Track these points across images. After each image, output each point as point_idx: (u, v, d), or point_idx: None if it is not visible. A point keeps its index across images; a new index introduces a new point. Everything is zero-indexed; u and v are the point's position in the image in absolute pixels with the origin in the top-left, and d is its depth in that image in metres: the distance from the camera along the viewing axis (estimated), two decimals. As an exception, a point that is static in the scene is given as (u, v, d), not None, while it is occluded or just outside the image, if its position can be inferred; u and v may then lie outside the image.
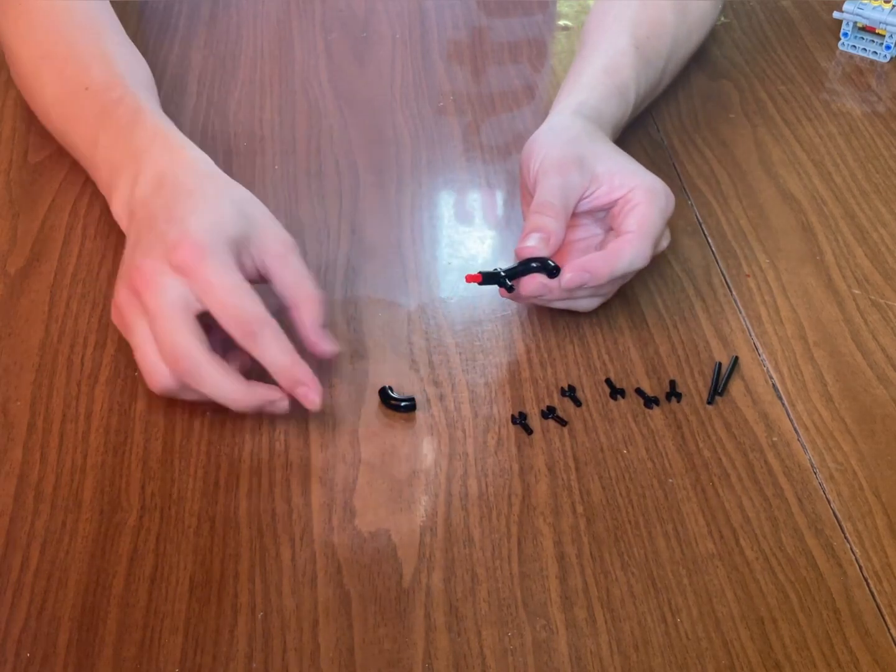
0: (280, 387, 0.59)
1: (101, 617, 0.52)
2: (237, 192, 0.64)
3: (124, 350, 0.65)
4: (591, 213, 0.68)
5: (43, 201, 0.76)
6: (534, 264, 0.63)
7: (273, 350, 0.58)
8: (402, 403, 0.63)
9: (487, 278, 0.63)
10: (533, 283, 0.63)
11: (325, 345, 0.61)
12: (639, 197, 0.65)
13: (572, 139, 0.68)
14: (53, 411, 0.62)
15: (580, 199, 0.66)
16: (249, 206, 0.63)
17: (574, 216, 0.67)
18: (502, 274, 0.63)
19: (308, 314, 0.60)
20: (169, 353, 0.57)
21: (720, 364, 0.66)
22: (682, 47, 0.83)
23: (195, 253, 0.57)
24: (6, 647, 0.51)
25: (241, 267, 0.59)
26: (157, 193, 0.63)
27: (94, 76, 0.72)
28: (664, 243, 0.67)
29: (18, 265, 0.71)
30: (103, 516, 0.57)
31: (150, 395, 0.63)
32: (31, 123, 0.82)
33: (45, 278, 0.70)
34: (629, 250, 0.63)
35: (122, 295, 0.59)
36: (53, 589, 0.53)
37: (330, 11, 0.98)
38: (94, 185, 0.77)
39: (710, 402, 0.64)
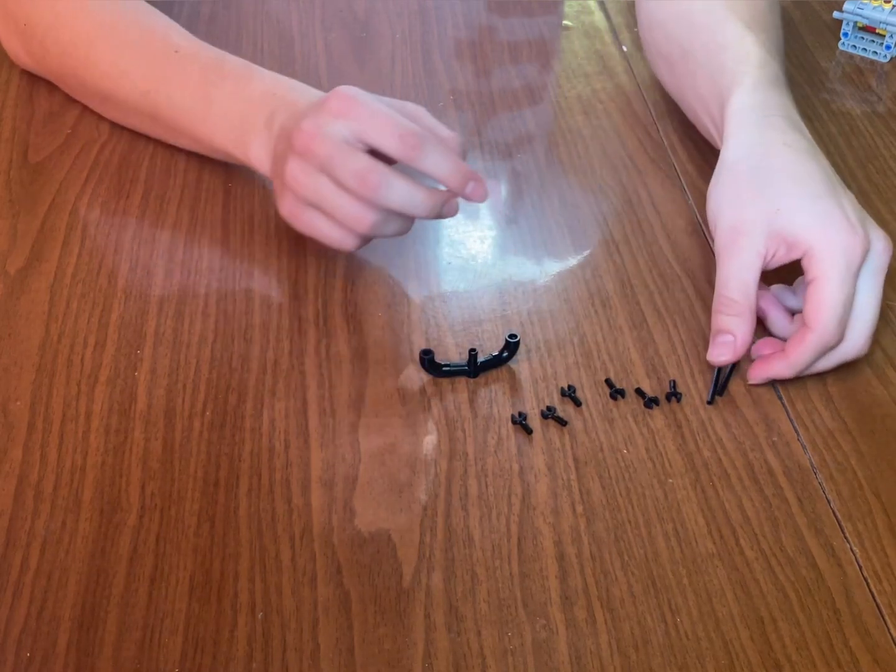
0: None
1: (101, 617, 0.52)
2: None
3: (124, 350, 0.65)
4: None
5: (43, 201, 0.76)
6: (504, 353, 0.65)
7: (437, 157, 0.62)
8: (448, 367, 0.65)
9: (451, 371, 0.65)
10: (759, 370, 0.64)
11: (475, 191, 0.64)
12: (814, 269, 0.61)
13: (742, 187, 0.66)
14: (53, 411, 0.62)
15: (763, 269, 0.64)
16: None
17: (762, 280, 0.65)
18: (468, 368, 0.65)
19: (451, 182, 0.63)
20: (357, 176, 0.61)
21: (720, 364, 0.66)
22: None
23: (346, 98, 0.63)
24: (6, 647, 0.51)
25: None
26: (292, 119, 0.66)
27: (177, 42, 0.74)
28: (882, 259, 0.62)
29: (18, 265, 0.71)
30: (103, 516, 0.57)
31: (150, 395, 0.63)
32: (31, 123, 0.82)
33: (45, 278, 0.70)
34: (808, 347, 0.62)
35: (292, 165, 0.63)
36: (53, 589, 0.53)
37: (330, 11, 0.98)
38: (94, 184, 0.77)
39: (710, 402, 0.64)
